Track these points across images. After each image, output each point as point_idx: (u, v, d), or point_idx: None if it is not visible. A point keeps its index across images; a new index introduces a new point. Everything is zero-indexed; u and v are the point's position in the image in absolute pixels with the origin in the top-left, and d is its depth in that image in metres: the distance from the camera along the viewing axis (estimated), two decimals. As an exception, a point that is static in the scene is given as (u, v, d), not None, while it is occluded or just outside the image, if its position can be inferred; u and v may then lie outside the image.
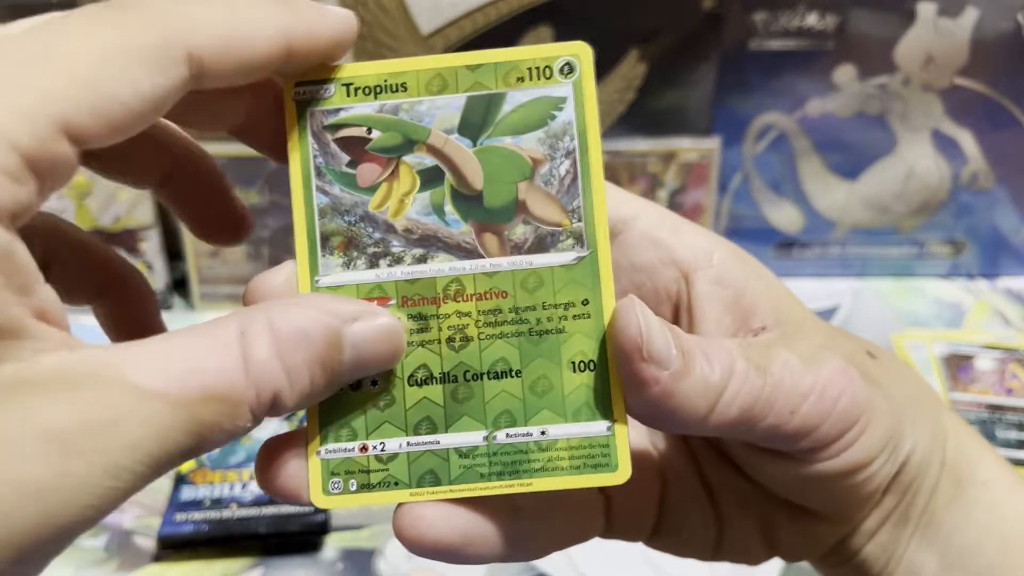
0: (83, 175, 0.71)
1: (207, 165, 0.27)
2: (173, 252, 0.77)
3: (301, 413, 0.23)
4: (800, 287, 0.79)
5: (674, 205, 0.77)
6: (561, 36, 0.69)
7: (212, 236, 0.27)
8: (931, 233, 0.79)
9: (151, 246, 0.75)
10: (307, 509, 0.56)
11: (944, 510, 0.27)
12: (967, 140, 0.75)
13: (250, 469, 0.59)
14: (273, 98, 0.24)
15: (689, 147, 0.74)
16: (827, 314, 0.76)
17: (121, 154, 0.25)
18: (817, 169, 0.77)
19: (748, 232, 0.79)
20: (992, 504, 0.28)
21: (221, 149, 0.60)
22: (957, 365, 0.69)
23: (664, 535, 0.29)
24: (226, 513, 0.56)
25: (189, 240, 0.74)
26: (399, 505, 0.23)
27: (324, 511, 0.56)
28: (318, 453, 0.24)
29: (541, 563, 0.54)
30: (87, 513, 0.18)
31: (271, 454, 0.24)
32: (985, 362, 0.69)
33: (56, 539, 0.18)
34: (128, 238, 0.74)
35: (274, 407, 0.20)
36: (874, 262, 0.80)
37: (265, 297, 0.23)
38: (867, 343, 0.28)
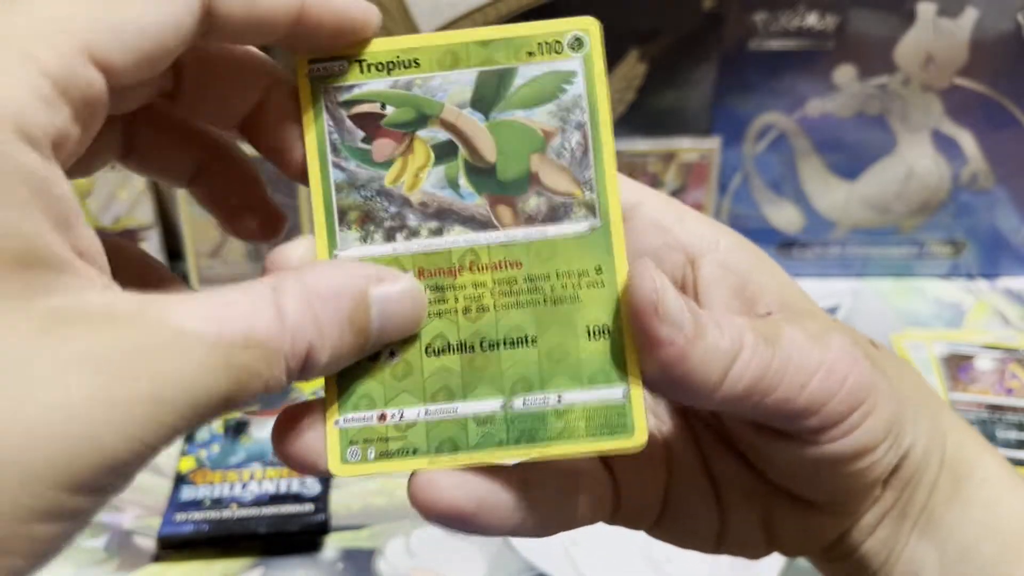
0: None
1: (239, 159, 0.27)
2: (173, 252, 0.77)
3: (318, 385, 0.24)
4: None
5: (674, 205, 0.77)
6: (561, 36, 0.70)
7: (245, 232, 0.27)
8: (931, 233, 0.79)
9: (151, 246, 0.75)
10: (307, 509, 0.56)
11: (943, 507, 0.28)
12: (967, 140, 0.75)
13: (250, 469, 0.59)
14: (283, 96, 0.25)
15: (689, 147, 0.74)
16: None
17: (155, 148, 0.25)
18: (817, 169, 0.77)
19: (748, 232, 0.78)
20: (990, 502, 0.28)
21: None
22: (957, 365, 0.69)
23: (668, 524, 0.29)
24: (226, 513, 0.56)
25: (189, 240, 0.74)
26: (414, 471, 0.23)
27: (324, 511, 0.56)
28: (336, 422, 0.24)
29: (541, 562, 0.54)
30: (134, 446, 0.18)
31: (288, 423, 0.24)
32: (985, 362, 0.69)
33: (107, 469, 0.17)
34: (128, 238, 0.74)
35: (308, 363, 0.21)
36: (874, 262, 0.80)
37: (286, 267, 0.23)
38: (869, 337, 0.28)
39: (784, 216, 0.79)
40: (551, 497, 0.25)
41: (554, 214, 0.24)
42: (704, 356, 0.23)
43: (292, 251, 0.24)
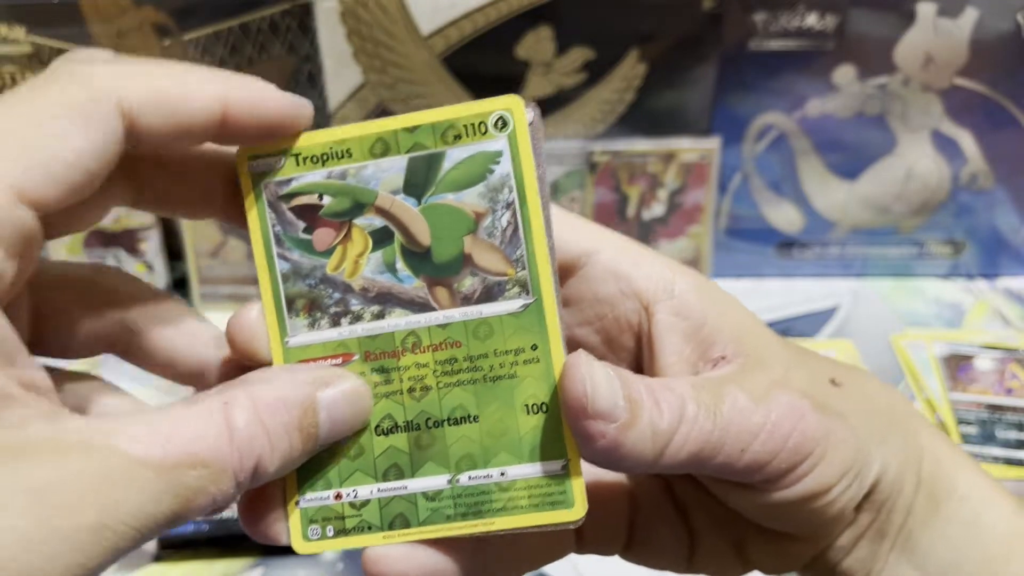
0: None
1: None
2: (173, 252, 0.77)
3: None
4: (800, 287, 0.79)
5: (674, 205, 0.77)
6: (561, 36, 0.69)
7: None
8: (931, 233, 0.79)
9: (151, 246, 0.75)
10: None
11: (921, 527, 0.28)
12: (967, 140, 0.75)
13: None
14: (222, 174, 0.25)
15: (689, 147, 0.74)
16: (827, 314, 0.77)
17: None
18: (817, 169, 0.77)
19: (748, 232, 0.79)
20: (969, 519, 0.28)
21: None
22: (957, 365, 0.69)
23: (636, 550, 0.29)
24: (226, 513, 0.56)
25: (189, 240, 0.74)
26: (366, 547, 0.25)
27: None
28: (297, 503, 0.25)
29: (541, 563, 0.54)
30: (75, 570, 0.18)
31: (253, 501, 0.25)
32: (985, 362, 0.69)
33: None
34: (128, 238, 0.74)
35: (256, 473, 0.22)
36: (874, 262, 0.80)
37: (247, 328, 0.25)
38: (833, 368, 0.28)
39: (784, 216, 0.79)
40: (505, 550, 0.26)
41: (489, 294, 0.25)
42: (638, 440, 0.23)
43: (248, 313, 0.25)
